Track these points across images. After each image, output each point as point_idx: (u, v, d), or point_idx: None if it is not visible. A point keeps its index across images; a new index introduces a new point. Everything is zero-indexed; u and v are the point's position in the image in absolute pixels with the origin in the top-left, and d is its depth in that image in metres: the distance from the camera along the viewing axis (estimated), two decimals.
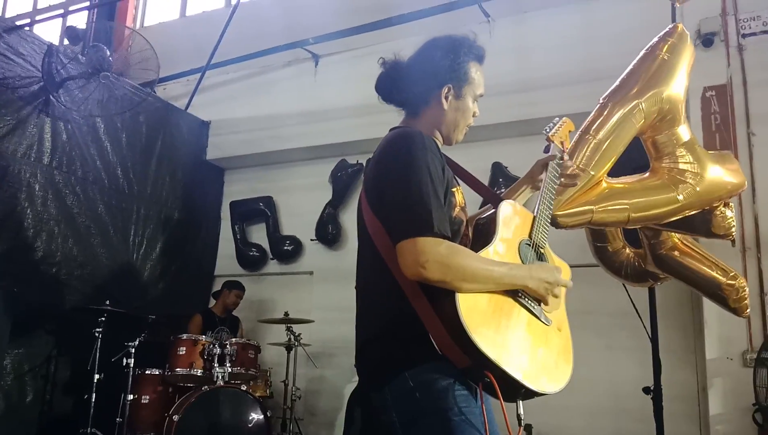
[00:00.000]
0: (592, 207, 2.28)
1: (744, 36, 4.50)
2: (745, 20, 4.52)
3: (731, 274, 2.74)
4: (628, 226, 2.57)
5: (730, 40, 4.51)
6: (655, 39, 2.52)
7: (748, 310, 2.78)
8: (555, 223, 2.20)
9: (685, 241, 2.80)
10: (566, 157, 1.88)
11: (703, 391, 4.25)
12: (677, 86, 2.43)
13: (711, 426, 4.06)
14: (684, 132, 2.50)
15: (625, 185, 2.43)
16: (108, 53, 4.86)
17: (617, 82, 2.46)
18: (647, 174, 2.52)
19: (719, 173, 2.51)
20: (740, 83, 4.43)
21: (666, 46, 2.45)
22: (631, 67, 2.48)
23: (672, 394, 3.80)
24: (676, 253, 2.76)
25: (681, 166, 2.46)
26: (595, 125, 2.35)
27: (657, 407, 3.50)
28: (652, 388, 3.54)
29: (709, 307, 4.13)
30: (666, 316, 3.98)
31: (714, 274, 2.75)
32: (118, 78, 5.19)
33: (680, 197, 2.39)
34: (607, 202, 2.32)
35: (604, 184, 2.36)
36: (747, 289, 2.72)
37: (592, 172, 2.28)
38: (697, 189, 2.42)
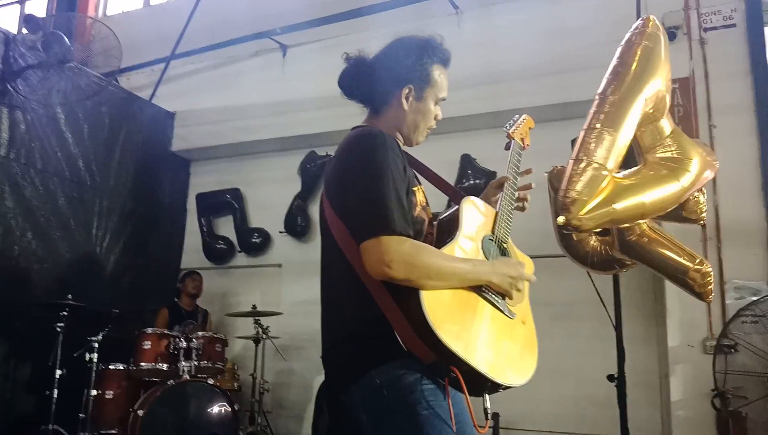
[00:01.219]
0: (612, 206, 2.19)
1: (706, 30, 4.59)
2: (707, 14, 4.61)
3: (698, 260, 2.78)
4: (639, 221, 2.50)
5: (692, 33, 4.59)
6: (630, 32, 2.52)
7: (712, 295, 2.83)
8: (575, 226, 2.09)
9: (652, 228, 2.84)
10: (515, 179, 1.85)
11: (665, 378, 4.35)
12: (665, 76, 2.45)
13: (672, 411, 4.17)
14: (667, 122, 2.53)
15: (630, 180, 2.36)
16: (68, 42, 4.72)
17: (609, 75, 2.38)
18: (641, 167, 2.49)
19: (703, 158, 2.57)
20: (702, 76, 4.51)
21: (645, 35, 2.44)
22: (618, 59, 2.42)
23: (635, 381, 3.88)
24: (645, 239, 2.78)
25: (673, 155, 2.49)
26: (605, 119, 2.24)
27: (621, 394, 3.57)
28: (616, 376, 3.61)
29: (672, 296, 4.23)
30: (629, 304, 4.05)
31: (681, 259, 2.78)
32: (81, 68, 5.06)
33: (684, 185, 2.41)
34: (624, 200, 2.24)
35: (611, 181, 2.26)
36: (712, 275, 2.77)
37: (610, 167, 2.18)
38: (693, 175, 2.45)
